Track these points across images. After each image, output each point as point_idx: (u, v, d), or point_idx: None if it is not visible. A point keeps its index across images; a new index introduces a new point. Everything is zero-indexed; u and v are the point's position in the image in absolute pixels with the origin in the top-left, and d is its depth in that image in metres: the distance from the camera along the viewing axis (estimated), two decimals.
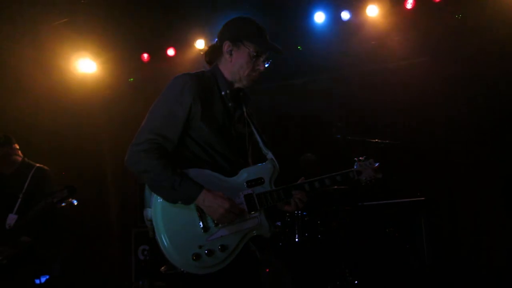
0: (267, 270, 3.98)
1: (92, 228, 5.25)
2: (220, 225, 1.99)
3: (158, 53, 5.69)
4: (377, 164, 2.34)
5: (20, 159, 3.68)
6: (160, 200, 1.96)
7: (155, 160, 1.94)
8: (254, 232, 2.06)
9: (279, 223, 4.40)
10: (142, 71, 5.77)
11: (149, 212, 1.99)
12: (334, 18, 5.40)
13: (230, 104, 2.17)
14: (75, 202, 3.48)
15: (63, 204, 3.42)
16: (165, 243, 1.92)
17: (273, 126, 5.77)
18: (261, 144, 2.27)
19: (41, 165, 3.71)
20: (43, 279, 4.62)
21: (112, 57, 5.61)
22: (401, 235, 4.26)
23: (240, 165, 2.14)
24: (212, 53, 2.24)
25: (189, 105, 2.03)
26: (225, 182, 2.06)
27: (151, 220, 1.97)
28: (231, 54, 2.15)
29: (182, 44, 5.57)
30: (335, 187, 4.30)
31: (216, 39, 2.23)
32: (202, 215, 1.97)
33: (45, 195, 3.39)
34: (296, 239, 4.28)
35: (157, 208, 1.96)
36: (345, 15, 5.34)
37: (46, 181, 3.64)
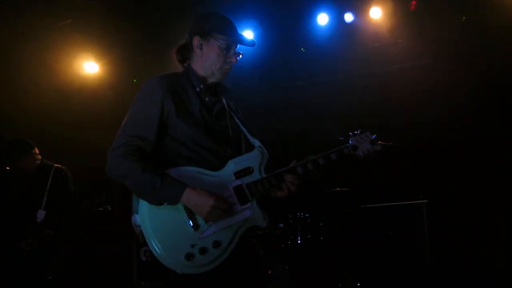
0: (269, 272, 3.98)
1: (94, 228, 5.25)
2: (210, 222, 1.94)
3: (161, 55, 5.70)
4: (374, 136, 2.23)
5: (39, 161, 4.08)
6: (146, 204, 1.91)
7: (134, 163, 1.89)
8: (248, 223, 2.01)
9: (281, 225, 4.40)
10: (146, 72, 5.79)
11: (137, 218, 1.95)
12: (338, 20, 5.39)
13: (207, 99, 2.14)
14: (109, 208, 4.08)
15: (100, 209, 3.99)
16: (156, 248, 1.87)
17: (274, 127, 5.77)
18: (247, 134, 2.23)
19: (59, 165, 4.14)
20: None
21: (114, 58, 5.63)
22: (404, 238, 4.25)
23: (228, 157, 2.07)
24: (183, 51, 2.21)
25: (160, 103, 2.00)
26: (211, 177, 2.00)
27: (139, 226, 1.93)
28: (201, 49, 2.14)
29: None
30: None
31: (187, 36, 2.20)
32: (190, 214, 1.91)
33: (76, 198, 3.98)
34: (298, 241, 4.28)
35: (144, 213, 1.91)
36: (349, 17, 5.34)
37: (66, 179, 4.12)
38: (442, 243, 4.51)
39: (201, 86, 2.14)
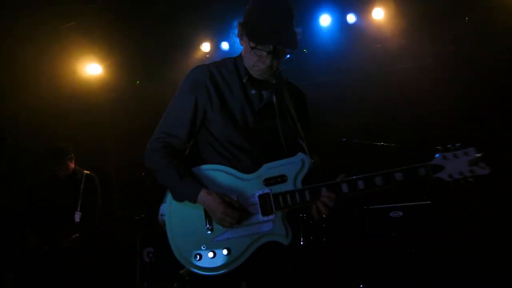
0: None
1: (97, 229, 5.27)
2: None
3: (164, 57, 5.72)
4: (478, 155, 1.72)
5: (73, 166, 4.48)
6: (171, 196, 1.92)
7: (161, 159, 1.90)
8: (267, 238, 1.82)
9: None
10: (148, 74, 5.82)
11: (163, 208, 1.96)
12: (340, 21, 5.40)
13: (253, 92, 1.95)
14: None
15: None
16: (171, 240, 1.88)
17: None
18: (294, 136, 1.98)
19: (90, 172, 4.57)
20: None
21: (117, 60, 5.65)
22: (407, 239, 4.23)
23: (265, 160, 1.89)
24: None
25: (193, 101, 1.93)
26: (239, 180, 1.87)
27: (164, 215, 1.94)
28: (242, 39, 1.93)
29: (188, 47, 5.60)
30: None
31: None
32: (208, 215, 1.86)
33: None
34: (301, 242, 4.27)
35: (169, 204, 1.93)
36: (351, 18, 5.34)
37: (96, 185, 4.55)
38: (446, 245, 4.48)
39: (246, 78, 1.95)
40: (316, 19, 5.43)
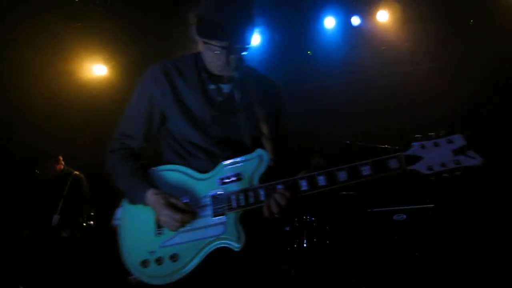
0: None
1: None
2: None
3: (168, 58, 5.74)
4: (463, 143, 1.43)
5: (62, 167, 4.42)
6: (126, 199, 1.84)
7: (116, 161, 1.84)
8: (219, 242, 1.67)
9: (287, 228, 4.39)
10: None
11: (118, 212, 1.87)
12: (344, 23, 5.40)
13: (212, 87, 1.83)
14: (92, 223, 4.46)
15: (84, 224, 4.40)
16: (121, 245, 1.79)
17: None
18: (256, 130, 1.83)
19: (78, 173, 4.46)
20: None
21: (123, 61, 5.68)
22: (410, 242, 4.23)
23: (224, 158, 1.77)
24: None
25: (149, 98, 1.83)
26: (194, 180, 1.75)
27: (118, 219, 1.85)
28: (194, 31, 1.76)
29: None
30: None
31: None
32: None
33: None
34: (305, 244, 4.28)
35: (123, 207, 1.84)
36: (356, 20, 5.34)
37: (81, 186, 4.43)
38: (449, 248, 4.48)
39: (206, 71, 1.83)
40: (321, 21, 5.43)
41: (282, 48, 5.55)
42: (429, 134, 1.51)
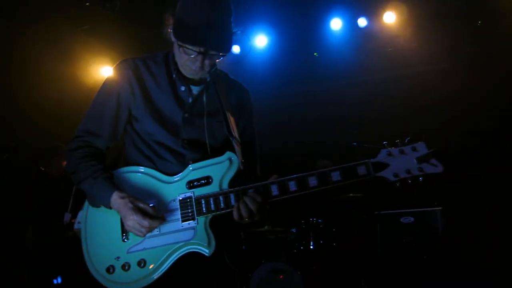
0: (281, 276, 3.97)
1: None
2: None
3: None
4: (428, 151, 1.50)
5: (65, 163, 4.08)
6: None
7: (77, 160, 1.74)
8: (187, 248, 1.61)
9: (294, 230, 4.39)
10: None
11: (79, 215, 1.79)
12: (351, 24, 5.38)
13: (182, 88, 1.76)
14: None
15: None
16: (85, 250, 1.69)
17: (287, 132, 5.77)
18: (224, 135, 1.76)
19: None
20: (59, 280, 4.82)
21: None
22: (418, 245, 4.20)
23: (193, 160, 1.71)
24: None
25: (116, 95, 1.75)
26: (161, 183, 1.68)
27: (80, 223, 1.77)
28: (171, 31, 1.69)
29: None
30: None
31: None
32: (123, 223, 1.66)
33: None
34: (311, 247, 4.27)
35: (85, 210, 1.75)
36: (362, 22, 5.33)
37: None
38: (458, 251, 4.44)
39: (176, 72, 1.76)
40: (327, 23, 5.42)
41: (289, 50, 5.55)
42: (396, 141, 1.55)
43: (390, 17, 5.22)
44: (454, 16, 5.05)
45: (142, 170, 1.71)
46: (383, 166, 1.55)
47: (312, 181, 1.58)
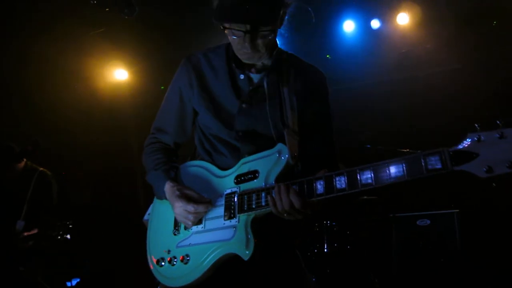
0: None
1: (123, 231, 5.35)
2: (190, 230, 1.60)
3: None
4: None
5: (22, 165, 3.74)
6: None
7: (146, 155, 1.80)
8: (225, 248, 1.49)
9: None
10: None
11: (150, 208, 1.85)
12: (364, 26, 5.37)
13: (241, 77, 1.68)
14: (69, 237, 3.65)
15: (59, 237, 3.63)
16: (147, 241, 1.74)
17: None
18: (283, 124, 1.62)
19: (44, 170, 3.79)
20: (74, 282, 4.77)
21: (143, 66, 5.76)
22: (434, 249, 4.14)
23: (248, 152, 1.62)
24: None
25: (178, 90, 1.76)
26: (214, 177, 1.63)
27: (149, 214, 1.83)
28: None
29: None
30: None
31: None
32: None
33: (46, 227, 3.57)
34: (325, 249, 4.23)
35: (153, 202, 1.81)
36: (375, 24, 5.30)
37: (49, 186, 3.77)
38: (475, 255, 4.37)
39: (235, 61, 1.69)
40: (340, 25, 5.41)
41: (301, 52, 5.51)
42: (493, 123, 1.13)
43: (403, 19, 5.19)
44: (468, 17, 5.00)
45: (202, 164, 1.70)
46: (467, 156, 1.14)
47: (365, 177, 1.28)
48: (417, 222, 4.22)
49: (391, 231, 4.30)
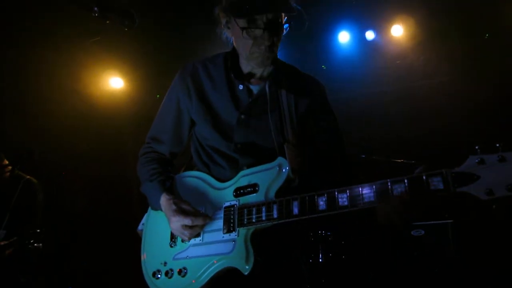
0: None
1: (119, 237, 5.31)
2: (188, 242, 1.58)
3: None
4: None
5: (8, 174, 3.70)
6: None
7: (141, 165, 1.78)
8: (224, 262, 1.46)
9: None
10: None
11: (144, 217, 1.83)
12: (359, 37, 5.43)
13: (240, 87, 1.66)
14: (41, 246, 3.51)
15: (30, 246, 3.48)
16: (142, 252, 1.72)
17: None
18: (283, 136, 1.60)
19: (30, 178, 3.74)
20: None
21: (139, 74, 5.78)
22: (429, 259, 4.14)
23: (247, 165, 1.61)
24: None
25: (176, 100, 1.73)
26: (212, 189, 1.61)
27: (144, 224, 1.80)
28: (228, 27, 1.65)
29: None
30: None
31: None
32: None
33: (20, 236, 3.46)
34: (320, 260, 4.22)
35: (148, 213, 1.79)
36: (370, 35, 5.37)
37: (34, 195, 3.71)
38: (470, 265, 4.38)
39: (232, 73, 1.68)
40: (335, 36, 5.47)
41: (297, 62, 5.56)
42: (493, 146, 1.14)
43: (397, 30, 5.26)
44: (461, 29, 5.08)
45: (197, 175, 1.66)
46: (468, 178, 1.16)
47: (367, 194, 1.29)
48: (412, 233, 4.23)
49: (386, 241, 4.31)
